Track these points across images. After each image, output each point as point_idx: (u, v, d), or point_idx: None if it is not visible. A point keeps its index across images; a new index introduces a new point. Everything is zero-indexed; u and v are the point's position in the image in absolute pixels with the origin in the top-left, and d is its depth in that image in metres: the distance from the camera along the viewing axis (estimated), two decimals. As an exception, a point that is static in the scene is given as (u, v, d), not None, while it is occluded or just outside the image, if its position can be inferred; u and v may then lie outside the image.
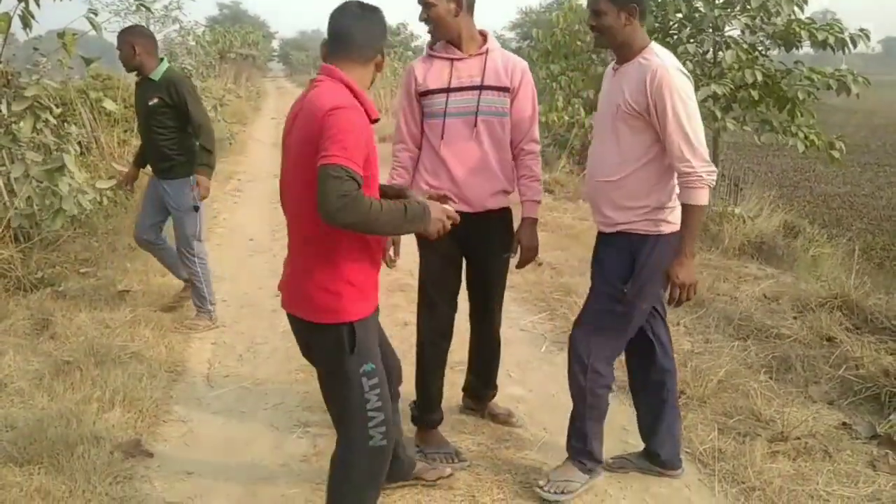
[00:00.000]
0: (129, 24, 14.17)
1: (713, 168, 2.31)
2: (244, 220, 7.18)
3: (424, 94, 2.70)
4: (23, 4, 4.07)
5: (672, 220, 2.42)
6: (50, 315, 4.14)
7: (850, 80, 6.13)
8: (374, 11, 2.03)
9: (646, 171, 2.39)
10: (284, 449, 2.96)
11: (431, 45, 2.77)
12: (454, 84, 2.66)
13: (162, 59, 4.04)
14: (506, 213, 2.82)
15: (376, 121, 1.99)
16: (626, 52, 2.39)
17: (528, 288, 4.92)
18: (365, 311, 2.03)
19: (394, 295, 4.85)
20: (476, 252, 2.82)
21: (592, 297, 2.59)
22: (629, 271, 2.44)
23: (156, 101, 3.95)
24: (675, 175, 2.36)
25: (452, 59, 2.68)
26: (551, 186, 7.82)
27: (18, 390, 3.32)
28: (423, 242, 2.72)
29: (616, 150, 2.41)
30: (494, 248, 2.82)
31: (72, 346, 3.69)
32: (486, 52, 2.70)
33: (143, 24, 13.93)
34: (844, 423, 3.12)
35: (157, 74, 3.98)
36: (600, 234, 2.59)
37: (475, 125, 2.66)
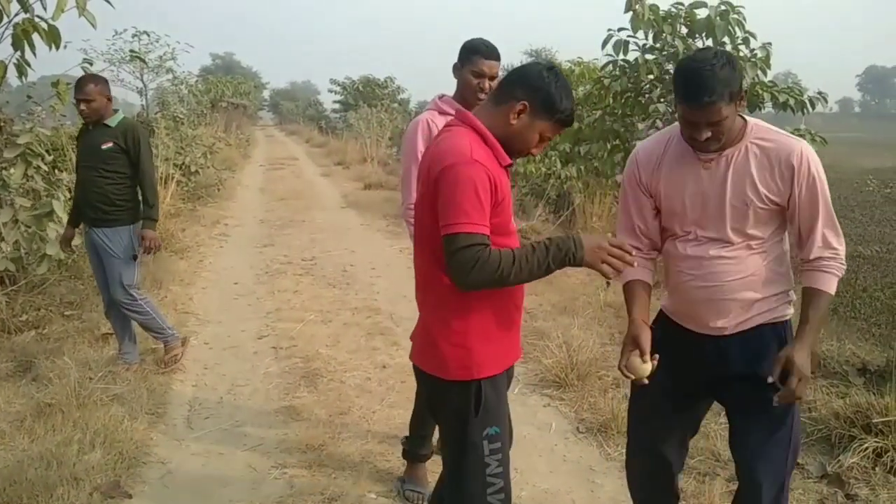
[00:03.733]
0: (123, 73, 14.47)
1: None
2: (229, 263, 7.27)
3: None
4: (18, 53, 4.18)
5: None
6: (33, 357, 4.20)
7: (809, 139, 6.35)
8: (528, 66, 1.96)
9: (776, 258, 2.08)
10: (262, 490, 3.00)
11: (441, 105, 2.79)
12: None
13: (117, 109, 4.08)
14: None
15: (509, 166, 1.92)
16: (727, 141, 1.98)
17: (505, 332, 5.01)
18: (496, 368, 1.94)
19: (374, 338, 4.93)
20: None
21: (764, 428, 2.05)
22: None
23: (110, 144, 3.95)
24: (802, 259, 2.06)
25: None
26: (527, 234, 8.00)
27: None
28: None
29: (745, 249, 2.04)
30: None
31: (54, 389, 3.72)
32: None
33: (138, 73, 14.31)
34: (797, 464, 3.21)
35: (113, 121, 4.00)
36: (715, 340, 2.10)
37: None
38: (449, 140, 1.86)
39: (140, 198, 4.10)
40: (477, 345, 1.89)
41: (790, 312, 2.10)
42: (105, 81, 4.06)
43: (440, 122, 2.68)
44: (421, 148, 2.75)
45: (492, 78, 2.76)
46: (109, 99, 4.02)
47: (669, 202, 2.11)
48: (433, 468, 3.15)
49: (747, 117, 2.01)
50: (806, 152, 1.96)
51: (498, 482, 1.93)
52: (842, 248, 2.02)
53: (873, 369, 4.09)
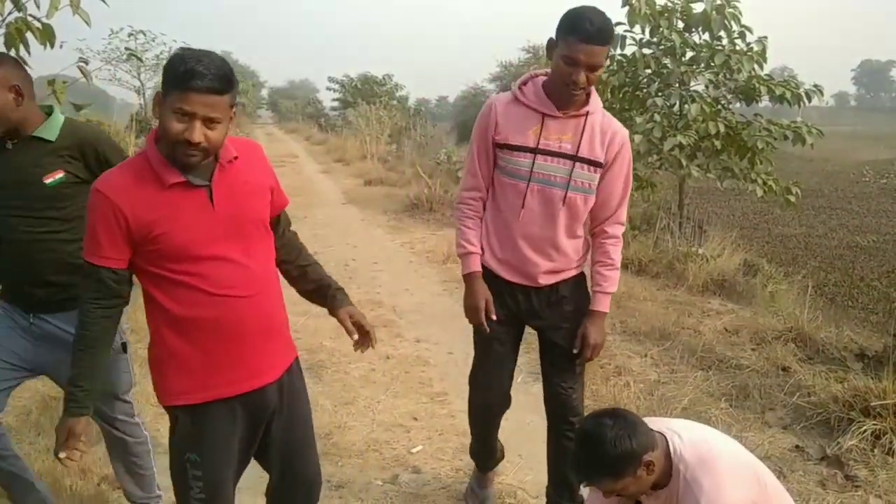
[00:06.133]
0: (120, 72, 14.39)
1: None
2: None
3: (502, 145, 2.24)
4: (13, 52, 4.19)
5: None
6: (38, 352, 4.22)
7: (805, 131, 6.53)
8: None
9: None
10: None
11: (523, 87, 2.27)
12: (542, 145, 2.20)
13: (50, 109, 2.28)
14: (580, 278, 2.46)
15: (180, 184, 1.70)
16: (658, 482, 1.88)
17: (506, 323, 5.05)
18: (192, 397, 1.82)
19: (377, 330, 4.91)
20: (545, 324, 2.47)
21: None
22: None
23: (60, 175, 2.19)
24: None
25: (544, 115, 2.20)
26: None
27: (6, 426, 3.39)
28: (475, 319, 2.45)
29: None
30: (566, 315, 2.43)
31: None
32: (587, 114, 2.22)
33: (135, 72, 14.31)
34: (797, 447, 3.31)
35: (50, 132, 2.20)
36: None
37: (564, 201, 2.23)
38: None
39: None
40: (168, 371, 1.84)
41: None
42: (15, 64, 2.21)
43: (502, 109, 2.25)
44: (478, 135, 2.30)
45: (591, 69, 2.07)
46: (22, 94, 2.13)
47: None
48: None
49: (678, 463, 1.83)
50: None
51: None
52: None
53: (871, 354, 4.19)
